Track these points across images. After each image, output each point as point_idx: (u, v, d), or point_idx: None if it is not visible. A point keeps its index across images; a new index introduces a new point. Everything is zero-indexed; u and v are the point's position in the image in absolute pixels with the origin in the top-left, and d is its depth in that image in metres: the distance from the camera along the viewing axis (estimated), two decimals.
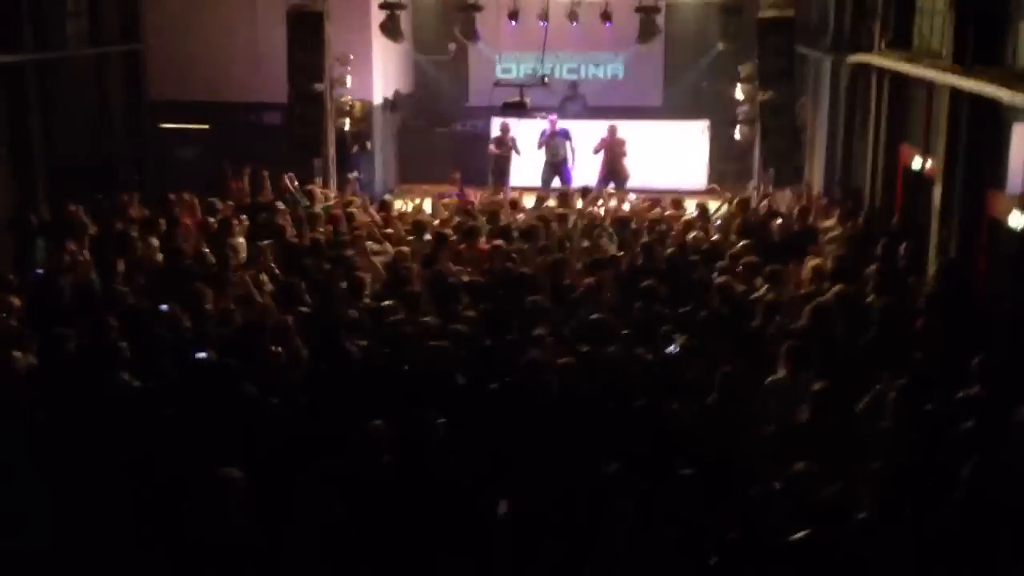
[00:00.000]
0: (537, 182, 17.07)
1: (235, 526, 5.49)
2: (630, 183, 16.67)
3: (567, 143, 17.24)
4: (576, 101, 19.58)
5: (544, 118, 17.16)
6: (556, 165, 17.24)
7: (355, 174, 16.62)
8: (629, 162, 17.04)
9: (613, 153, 17.05)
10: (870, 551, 5.36)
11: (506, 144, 17.29)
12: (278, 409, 6.77)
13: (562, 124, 17.38)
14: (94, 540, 5.79)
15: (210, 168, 15.61)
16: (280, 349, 7.68)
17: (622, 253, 11.03)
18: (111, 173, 15.59)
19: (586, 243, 11.52)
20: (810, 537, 5.38)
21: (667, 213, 13.23)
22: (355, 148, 17.40)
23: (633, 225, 12.16)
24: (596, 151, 17.14)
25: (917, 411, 6.51)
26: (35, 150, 13.74)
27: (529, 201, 14.31)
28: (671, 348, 8.02)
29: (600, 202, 14.15)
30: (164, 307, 8.80)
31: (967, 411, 6.40)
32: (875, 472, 5.93)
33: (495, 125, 17.87)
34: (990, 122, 10.08)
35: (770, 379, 7.55)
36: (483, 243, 11.14)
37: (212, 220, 11.93)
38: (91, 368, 7.22)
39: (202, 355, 7.72)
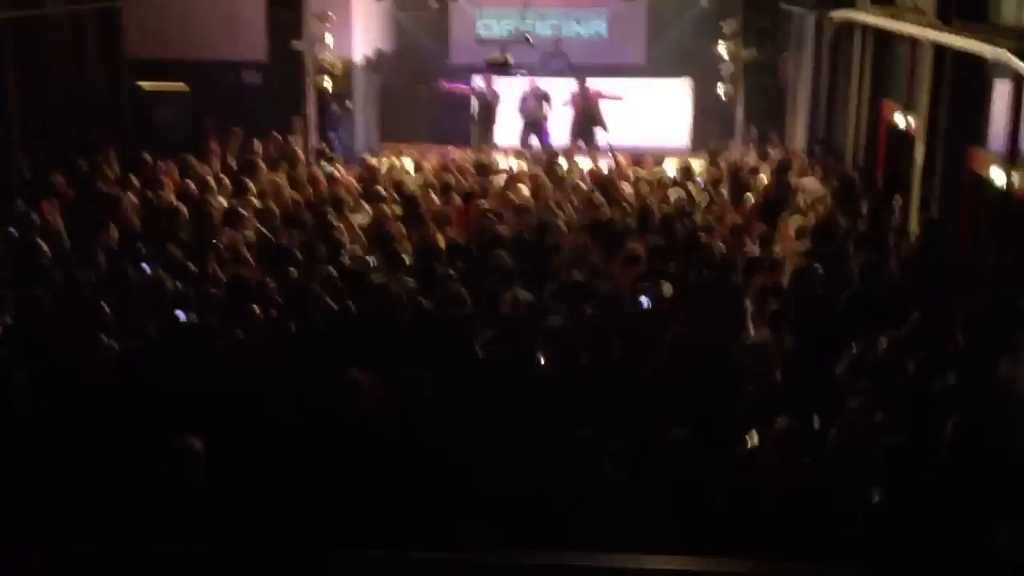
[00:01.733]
0: (513, 141, 16.95)
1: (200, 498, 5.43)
2: (612, 141, 16.43)
3: (545, 104, 17.13)
4: (558, 59, 19.30)
5: (524, 75, 17.02)
6: (534, 125, 17.14)
7: (333, 134, 16.47)
8: (607, 118, 16.84)
9: (585, 109, 16.90)
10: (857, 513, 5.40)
11: (492, 93, 17.14)
12: (257, 370, 6.73)
13: (541, 85, 17.25)
14: (71, 500, 5.75)
15: (188, 128, 15.46)
16: (260, 310, 7.62)
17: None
18: (88, 133, 15.40)
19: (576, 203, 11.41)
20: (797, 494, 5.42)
21: (649, 172, 13.17)
22: (335, 107, 17.24)
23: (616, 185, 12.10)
24: (566, 105, 17.02)
25: (898, 368, 6.53)
26: (11, 109, 13.57)
27: (503, 161, 14.25)
28: (645, 302, 8.01)
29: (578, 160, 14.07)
30: (145, 267, 8.76)
31: (949, 368, 6.41)
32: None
33: (477, 82, 17.76)
34: (973, 79, 10.06)
35: (749, 339, 7.57)
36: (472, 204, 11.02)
37: (190, 181, 11.79)
38: (70, 329, 7.15)
39: (183, 316, 7.68)
